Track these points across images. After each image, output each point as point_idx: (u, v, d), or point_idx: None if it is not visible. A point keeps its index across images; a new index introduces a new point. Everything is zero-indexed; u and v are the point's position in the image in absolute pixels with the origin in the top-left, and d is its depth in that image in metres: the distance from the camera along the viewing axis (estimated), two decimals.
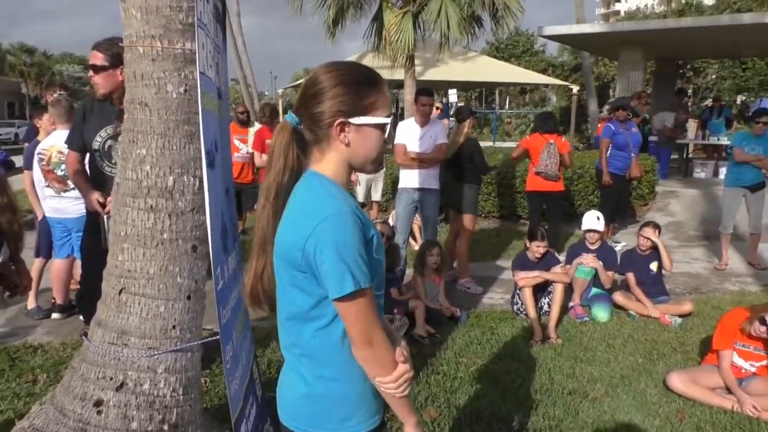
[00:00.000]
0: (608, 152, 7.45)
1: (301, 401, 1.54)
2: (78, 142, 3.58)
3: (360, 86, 1.49)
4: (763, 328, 3.60)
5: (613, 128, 7.48)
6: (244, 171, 7.77)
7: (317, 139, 1.52)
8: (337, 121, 1.47)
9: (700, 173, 11.70)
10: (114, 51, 3.24)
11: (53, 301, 5.21)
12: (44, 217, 5.13)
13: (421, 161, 5.62)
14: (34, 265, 5.27)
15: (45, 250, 5.33)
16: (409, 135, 5.70)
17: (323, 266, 1.38)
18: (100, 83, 3.37)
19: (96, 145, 3.47)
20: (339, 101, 1.46)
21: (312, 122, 1.50)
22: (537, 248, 5.19)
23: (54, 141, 4.83)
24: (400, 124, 5.92)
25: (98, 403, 2.39)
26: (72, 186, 4.87)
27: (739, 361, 3.80)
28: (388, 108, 1.53)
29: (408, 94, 11.98)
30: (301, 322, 1.51)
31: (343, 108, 1.46)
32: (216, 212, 2.25)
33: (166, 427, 2.43)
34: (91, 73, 3.40)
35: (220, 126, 2.53)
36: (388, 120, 1.52)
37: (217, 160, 2.37)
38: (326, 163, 1.52)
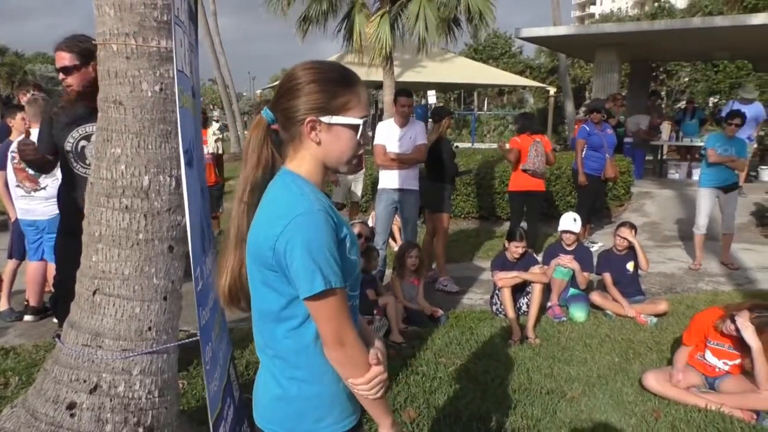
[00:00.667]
0: (584, 153, 7.53)
1: (275, 403, 1.53)
2: (48, 147, 3.40)
3: (334, 85, 1.47)
4: (732, 326, 3.67)
5: (588, 129, 7.56)
6: (206, 172, 7.71)
7: (291, 136, 1.51)
8: (308, 119, 1.45)
9: (674, 174, 11.87)
10: (81, 47, 3.12)
11: (26, 303, 5.12)
12: (17, 218, 5.04)
13: (400, 162, 5.63)
14: (7, 266, 5.19)
15: (18, 252, 5.23)
16: (389, 136, 5.70)
17: (293, 265, 1.37)
18: (74, 83, 3.20)
19: (68, 146, 3.32)
20: (312, 98, 1.45)
21: (285, 119, 1.49)
22: (516, 249, 5.21)
23: None
24: (380, 125, 5.92)
25: (71, 406, 2.35)
26: (43, 185, 4.79)
27: (712, 359, 3.85)
28: (363, 110, 1.51)
29: (387, 95, 12.01)
30: (273, 323, 1.49)
31: (315, 106, 1.45)
32: (194, 212, 2.23)
33: (141, 430, 2.40)
34: (61, 75, 3.22)
35: (195, 125, 2.50)
36: (360, 121, 1.49)
37: (194, 159, 2.34)
38: (300, 162, 1.51)
